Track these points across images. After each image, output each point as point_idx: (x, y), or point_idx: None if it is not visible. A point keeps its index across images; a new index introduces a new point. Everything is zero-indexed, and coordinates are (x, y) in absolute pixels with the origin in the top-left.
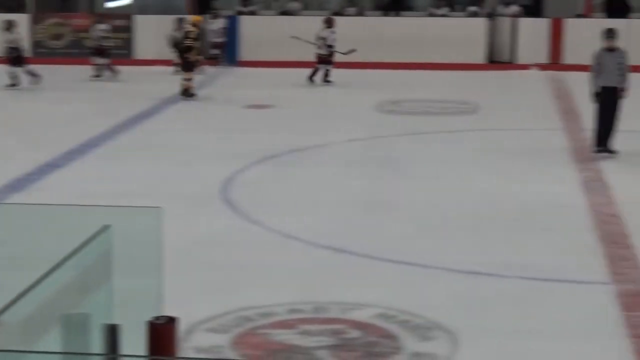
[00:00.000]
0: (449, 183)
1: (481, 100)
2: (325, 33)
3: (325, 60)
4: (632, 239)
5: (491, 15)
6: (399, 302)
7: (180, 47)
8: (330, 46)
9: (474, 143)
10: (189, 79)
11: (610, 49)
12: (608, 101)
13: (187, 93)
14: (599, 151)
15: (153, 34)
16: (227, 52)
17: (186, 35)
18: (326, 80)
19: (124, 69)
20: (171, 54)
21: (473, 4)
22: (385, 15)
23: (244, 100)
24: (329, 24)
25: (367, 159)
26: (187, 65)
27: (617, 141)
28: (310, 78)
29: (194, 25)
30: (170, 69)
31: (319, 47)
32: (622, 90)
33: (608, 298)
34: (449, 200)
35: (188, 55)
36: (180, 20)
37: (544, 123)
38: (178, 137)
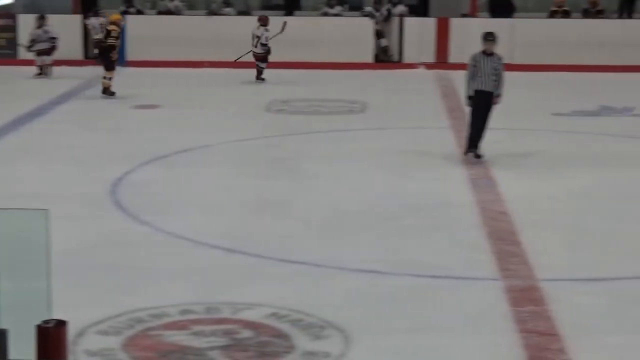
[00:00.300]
0: (340, 182)
1: (370, 100)
2: (260, 31)
3: (260, 58)
4: (519, 235)
5: (388, 17)
6: (291, 302)
7: (102, 45)
8: (264, 44)
9: (364, 142)
10: (110, 78)
11: (488, 53)
12: (481, 105)
13: (107, 91)
14: (468, 153)
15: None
16: None
17: (108, 34)
18: (259, 78)
19: (8, 70)
20: (33, 55)
21: (362, 4)
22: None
23: (132, 100)
24: (263, 22)
25: (257, 158)
26: (108, 64)
27: (508, 139)
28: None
29: (114, 23)
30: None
31: (254, 46)
32: (497, 96)
33: (497, 294)
34: (340, 199)
35: (111, 54)
36: (42, 18)
37: (432, 121)
38: (66, 138)
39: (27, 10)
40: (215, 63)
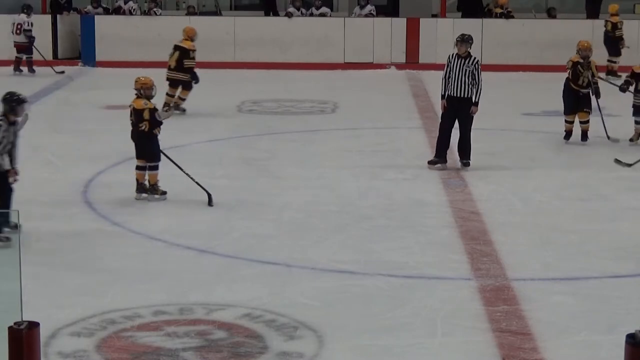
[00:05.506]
0: (311, 182)
1: (341, 100)
2: None
3: None
4: (491, 235)
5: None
6: (264, 302)
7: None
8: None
9: (335, 142)
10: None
11: (462, 56)
12: (451, 112)
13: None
14: (431, 162)
15: (7, 33)
16: (84, 52)
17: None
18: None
19: None
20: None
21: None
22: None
23: (103, 101)
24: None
25: (229, 159)
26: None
27: (479, 139)
28: None
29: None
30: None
31: None
32: (474, 104)
33: (470, 293)
34: (311, 199)
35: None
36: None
37: (403, 122)
38: (37, 139)
39: None
40: None
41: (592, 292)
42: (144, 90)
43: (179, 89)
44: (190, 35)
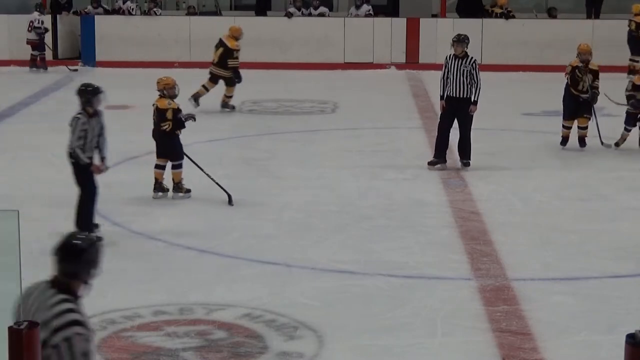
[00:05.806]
0: (311, 183)
1: (341, 100)
2: None
3: None
4: (491, 235)
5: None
6: (264, 302)
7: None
8: None
9: (335, 142)
10: None
11: (459, 56)
12: (450, 112)
13: None
14: (431, 162)
15: (8, 33)
16: (84, 52)
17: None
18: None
19: None
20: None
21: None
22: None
23: (103, 101)
24: None
25: (229, 159)
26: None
27: (479, 139)
28: None
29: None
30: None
31: None
32: (473, 103)
33: (470, 293)
34: (311, 199)
35: None
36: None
37: (403, 122)
38: (36, 139)
39: None
40: (185, 63)
41: (592, 292)
42: (167, 90)
43: (224, 87)
44: (235, 35)
